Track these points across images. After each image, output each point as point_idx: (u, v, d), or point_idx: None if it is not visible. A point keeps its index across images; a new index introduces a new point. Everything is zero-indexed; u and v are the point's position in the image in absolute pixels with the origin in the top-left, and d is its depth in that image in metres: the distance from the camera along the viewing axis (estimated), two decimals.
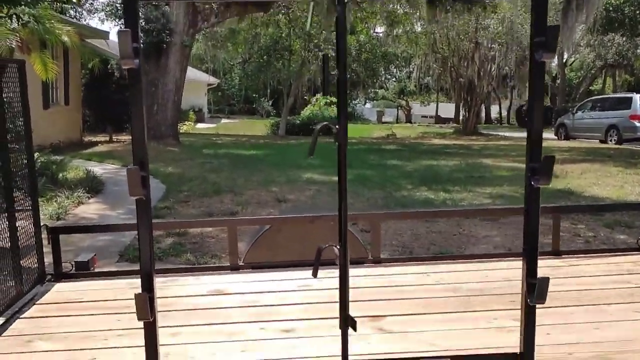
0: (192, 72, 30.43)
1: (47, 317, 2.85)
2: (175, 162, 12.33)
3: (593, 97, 24.94)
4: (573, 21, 18.41)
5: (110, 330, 2.64)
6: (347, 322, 1.81)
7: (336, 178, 1.86)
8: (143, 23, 16.08)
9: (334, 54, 1.68)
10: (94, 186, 8.80)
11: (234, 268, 3.51)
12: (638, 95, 19.04)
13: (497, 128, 32.55)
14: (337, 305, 1.89)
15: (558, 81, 36.30)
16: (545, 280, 1.57)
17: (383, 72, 36.01)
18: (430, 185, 9.50)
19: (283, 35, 24.39)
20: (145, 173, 1.59)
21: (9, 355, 2.41)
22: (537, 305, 1.70)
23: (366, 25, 26.36)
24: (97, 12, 29.51)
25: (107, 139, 17.74)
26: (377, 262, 3.58)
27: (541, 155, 1.63)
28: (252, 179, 10.02)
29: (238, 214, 7.24)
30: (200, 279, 3.38)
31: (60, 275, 3.40)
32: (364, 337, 2.45)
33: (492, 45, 26.39)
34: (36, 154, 9.64)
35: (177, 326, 2.65)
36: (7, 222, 3.01)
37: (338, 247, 1.78)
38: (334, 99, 19.40)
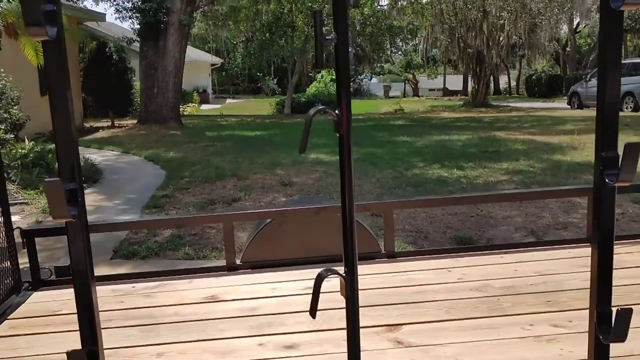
0: (194, 53, 29.92)
1: (17, 335, 2.50)
2: (177, 146, 11.96)
3: None
4: None
5: None
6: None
7: None
8: (139, 2, 15.58)
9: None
10: (91, 175, 8.46)
11: (231, 268, 3.15)
12: None
13: (506, 99, 31.84)
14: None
15: (568, 49, 35.39)
16: (628, 312, 1.13)
17: (389, 46, 35.18)
18: (442, 162, 9.07)
19: (285, 10, 23.74)
20: (76, 185, 1.10)
21: None
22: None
23: None
24: None
25: (109, 124, 17.36)
26: (391, 256, 3.19)
27: (617, 142, 1.13)
28: (256, 161, 9.63)
29: (241, 200, 6.87)
30: (192, 282, 3.02)
31: (39, 283, 3.05)
32: (379, 353, 2.10)
33: (501, 14, 25.57)
34: (31, 144, 9.36)
35: (163, 344, 2.29)
36: None
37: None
38: None
